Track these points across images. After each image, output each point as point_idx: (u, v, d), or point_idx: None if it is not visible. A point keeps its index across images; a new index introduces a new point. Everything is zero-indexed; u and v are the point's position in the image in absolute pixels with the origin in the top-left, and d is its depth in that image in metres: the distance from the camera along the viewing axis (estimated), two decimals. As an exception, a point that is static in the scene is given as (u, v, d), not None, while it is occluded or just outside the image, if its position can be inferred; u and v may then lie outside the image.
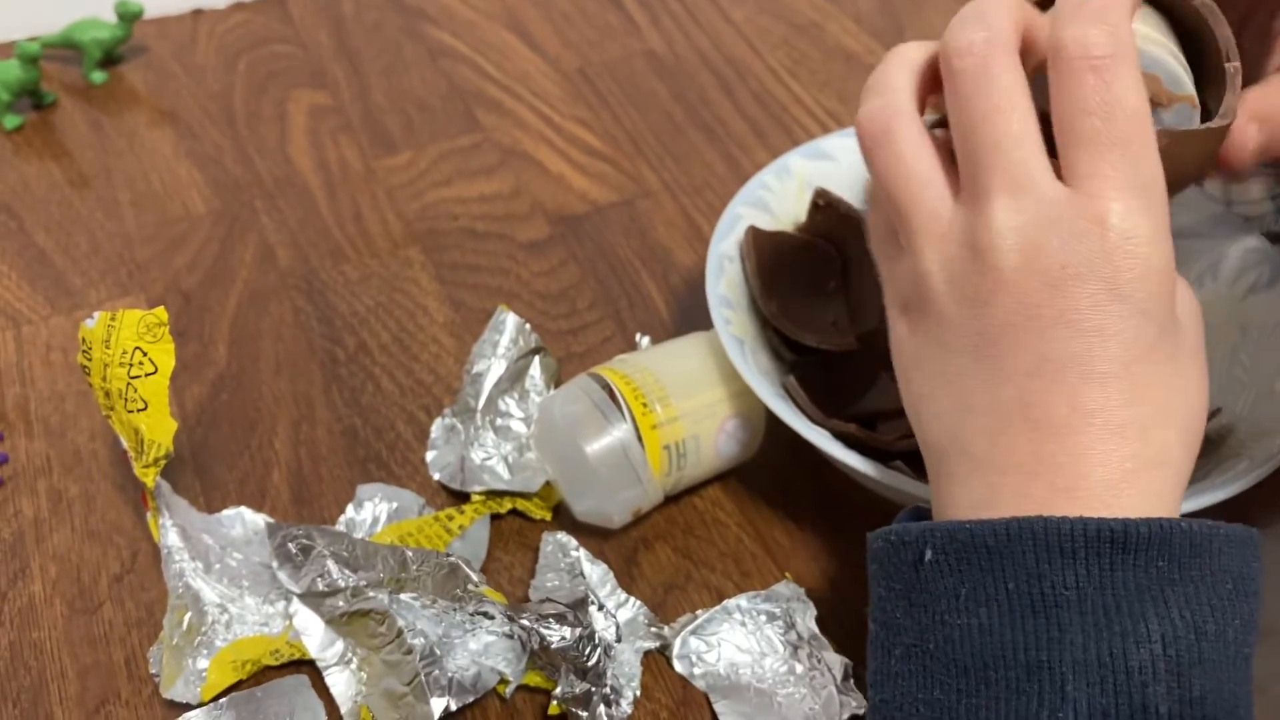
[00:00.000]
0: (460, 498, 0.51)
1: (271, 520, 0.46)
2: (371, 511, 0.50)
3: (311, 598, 0.44)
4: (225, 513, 0.50)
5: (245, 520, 0.50)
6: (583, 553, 0.47)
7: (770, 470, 0.52)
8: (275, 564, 0.45)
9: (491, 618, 0.43)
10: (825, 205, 0.55)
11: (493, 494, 0.50)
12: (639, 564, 0.49)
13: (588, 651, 0.42)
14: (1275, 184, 0.54)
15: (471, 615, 0.43)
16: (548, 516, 0.50)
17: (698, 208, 0.66)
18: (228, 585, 0.46)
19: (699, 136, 0.71)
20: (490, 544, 0.49)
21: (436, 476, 0.51)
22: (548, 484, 0.49)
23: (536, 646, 0.42)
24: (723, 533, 0.50)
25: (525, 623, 0.42)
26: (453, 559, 0.44)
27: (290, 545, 0.45)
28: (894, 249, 0.38)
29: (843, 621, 0.46)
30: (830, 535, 0.50)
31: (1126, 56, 0.32)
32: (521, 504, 0.50)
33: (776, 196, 0.55)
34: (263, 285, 0.62)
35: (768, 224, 0.54)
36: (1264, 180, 0.55)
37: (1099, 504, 0.32)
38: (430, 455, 0.52)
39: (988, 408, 0.34)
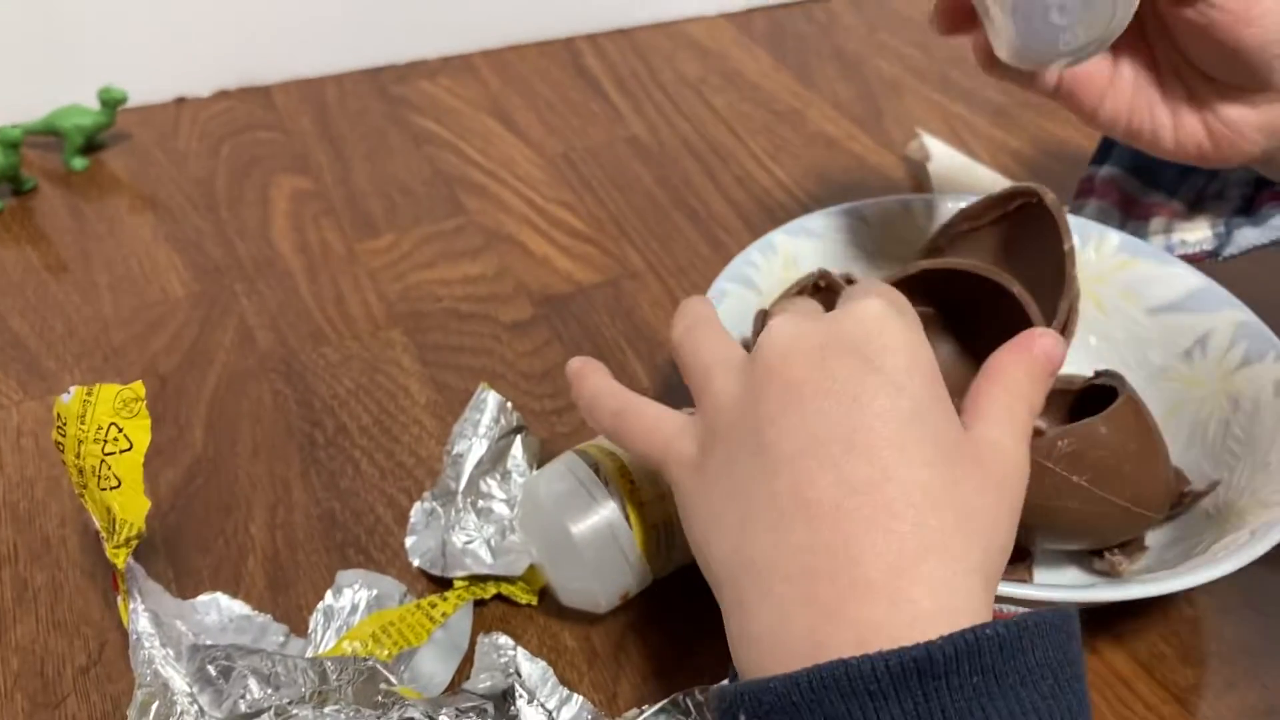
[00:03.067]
0: (442, 584, 0.50)
1: (196, 643, 0.44)
2: (351, 599, 0.48)
3: None
4: (200, 599, 0.48)
5: (221, 607, 0.48)
6: (520, 651, 0.45)
7: (761, 551, 0.50)
8: (195, 689, 0.43)
9: None
10: (826, 287, 0.54)
11: (476, 579, 0.48)
12: (628, 649, 0.47)
13: None
14: (1216, 218, 0.55)
15: None
16: (534, 601, 0.48)
17: (683, 287, 0.66)
18: (198, 675, 0.44)
19: (683, 219, 0.71)
20: (474, 631, 0.47)
21: (416, 563, 0.50)
22: (532, 567, 0.48)
23: None
24: (716, 614, 0.48)
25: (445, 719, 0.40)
26: (370, 663, 0.42)
27: (210, 667, 0.43)
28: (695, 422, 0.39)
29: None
30: (824, 617, 0.48)
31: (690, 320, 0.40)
32: (506, 588, 0.48)
33: (761, 273, 0.55)
34: (241, 368, 0.61)
35: (753, 300, 0.54)
36: (1207, 217, 0.55)
37: (885, 597, 0.30)
38: (410, 540, 0.51)
39: (767, 504, 0.33)
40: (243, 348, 0.62)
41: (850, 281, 0.54)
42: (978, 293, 0.50)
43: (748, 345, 0.44)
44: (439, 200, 0.72)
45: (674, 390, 0.59)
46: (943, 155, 0.72)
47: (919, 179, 0.73)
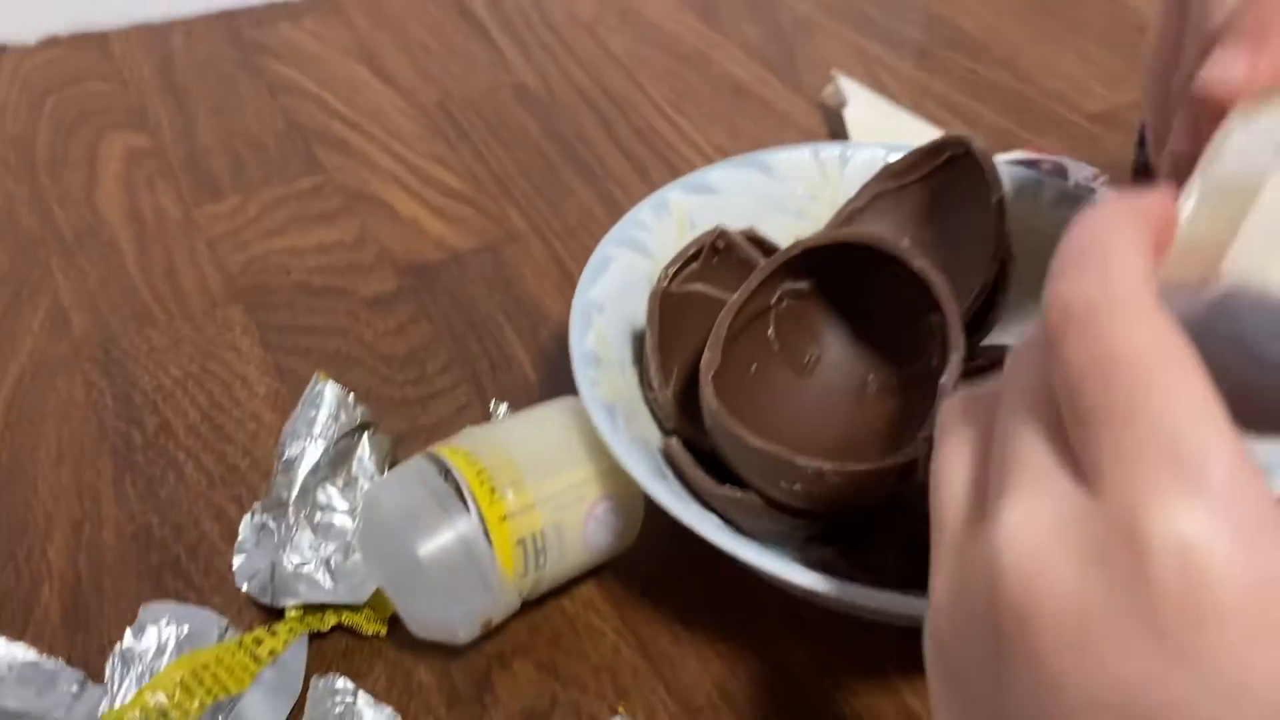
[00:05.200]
0: (274, 613, 0.42)
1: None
2: (157, 638, 0.40)
3: None
4: (-27, 643, 0.40)
5: (-1, 652, 0.40)
6: (361, 696, 0.37)
7: (653, 561, 0.43)
8: None
9: None
10: (725, 248, 0.46)
11: (311, 608, 0.40)
12: (492, 688, 0.40)
13: None
14: None
15: None
16: (382, 630, 0.41)
17: (571, 253, 0.58)
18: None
19: (574, 176, 0.63)
20: (309, 670, 0.40)
21: (244, 588, 0.42)
22: (380, 591, 0.40)
23: None
24: (597, 642, 0.41)
25: None
26: None
27: None
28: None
29: (743, 750, 0.37)
30: (725, 639, 0.41)
31: (1122, 300, 0.21)
32: (349, 617, 0.41)
33: (653, 235, 0.47)
34: (50, 357, 0.52)
35: (644, 267, 0.46)
36: None
37: None
38: (238, 561, 0.42)
39: None
40: (54, 332, 0.53)
41: (753, 240, 0.46)
42: (872, 265, 0.42)
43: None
44: (293, 156, 0.63)
45: (560, 375, 0.51)
46: (861, 100, 0.64)
47: (836, 128, 0.66)
